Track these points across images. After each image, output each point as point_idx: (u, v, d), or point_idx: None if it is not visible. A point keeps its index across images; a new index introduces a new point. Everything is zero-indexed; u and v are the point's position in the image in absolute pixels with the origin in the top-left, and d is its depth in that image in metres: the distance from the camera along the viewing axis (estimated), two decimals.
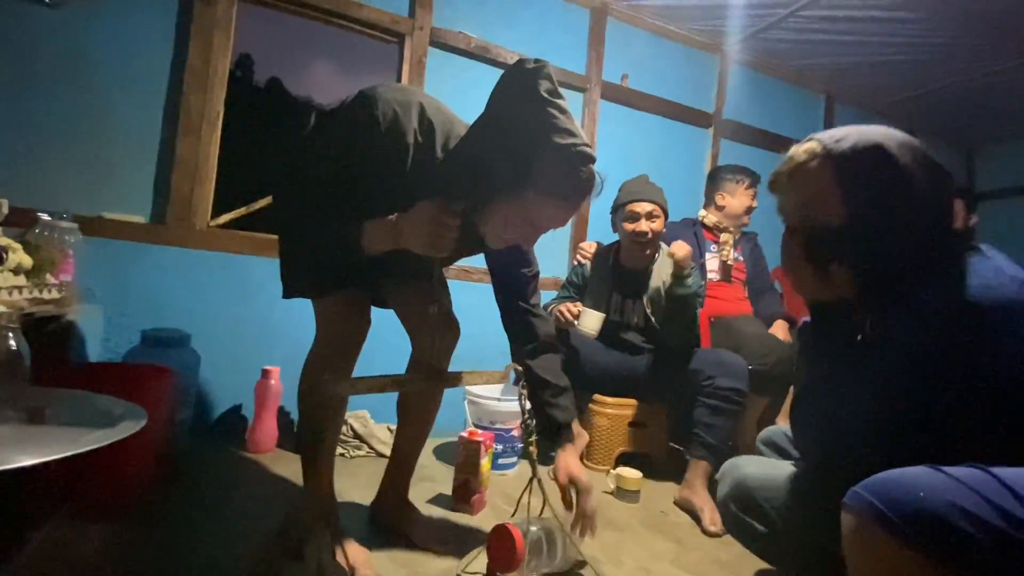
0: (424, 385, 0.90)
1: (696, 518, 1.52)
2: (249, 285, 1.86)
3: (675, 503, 1.64)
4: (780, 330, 2.02)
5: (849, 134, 0.80)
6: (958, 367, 0.67)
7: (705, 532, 1.45)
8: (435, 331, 1.22)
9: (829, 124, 3.04)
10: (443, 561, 1.17)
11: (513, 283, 1.21)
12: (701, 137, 2.74)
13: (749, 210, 2.21)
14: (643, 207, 1.80)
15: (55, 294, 1.36)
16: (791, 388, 1.94)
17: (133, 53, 1.76)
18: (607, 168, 2.67)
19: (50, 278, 1.38)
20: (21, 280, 1.27)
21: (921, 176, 0.76)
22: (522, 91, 0.88)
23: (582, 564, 1.11)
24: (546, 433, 1.18)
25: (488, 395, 1.86)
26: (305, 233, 1.05)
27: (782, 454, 1.14)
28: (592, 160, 0.91)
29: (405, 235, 0.94)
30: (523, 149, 0.88)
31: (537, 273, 1.25)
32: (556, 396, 1.19)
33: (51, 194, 1.65)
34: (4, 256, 1.07)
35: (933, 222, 0.76)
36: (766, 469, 1.01)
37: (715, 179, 2.28)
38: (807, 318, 0.94)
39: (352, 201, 0.98)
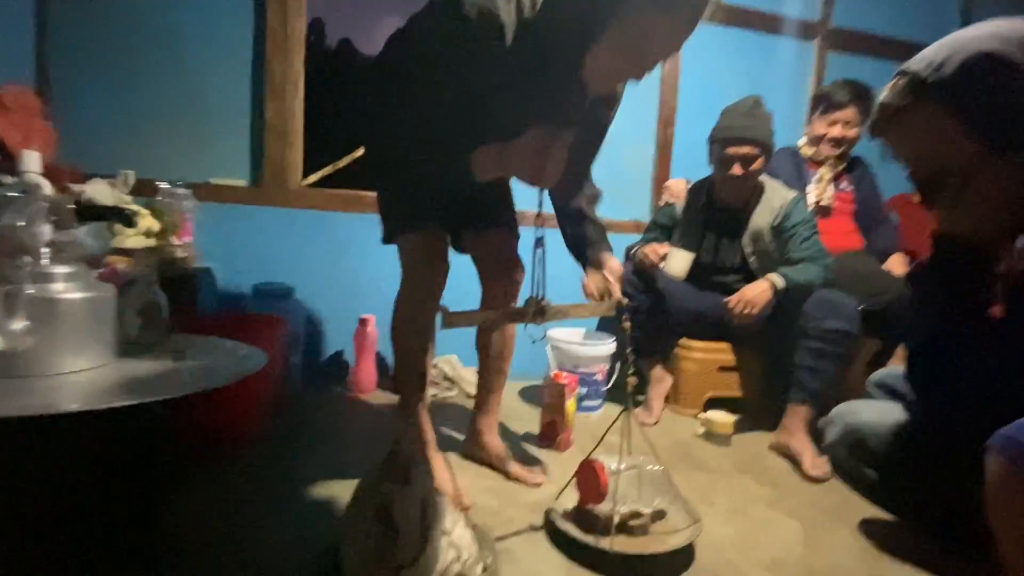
0: (533, 319, 0.91)
1: (794, 463, 1.46)
2: (341, 240, 1.97)
3: (771, 448, 1.57)
4: (897, 265, 1.81)
5: (950, 55, 0.65)
6: None
7: (805, 477, 1.39)
8: (504, 275, 1.26)
9: (967, 19, 2.55)
10: (532, 493, 1.23)
11: (569, 191, 1.19)
12: (804, 52, 2.41)
13: (828, 140, 1.94)
14: (738, 150, 1.63)
15: (180, 253, 1.53)
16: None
17: (218, 23, 1.84)
18: (696, 96, 2.44)
19: (175, 239, 1.54)
20: (152, 242, 1.44)
21: None
22: None
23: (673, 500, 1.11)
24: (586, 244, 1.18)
25: (570, 340, 1.87)
26: (413, 163, 1.05)
27: (896, 397, 1.04)
28: None
29: (512, 164, 0.94)
30: None
31: (599, 193, 1.23)
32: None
33: (166, 164, 1.82)
34: (135, 221, 1.20)
35: None
36: (880, 414, 0.94)
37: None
38: (921, 261, 0.82)
39: (462, 117, 0.97)
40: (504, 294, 1.27)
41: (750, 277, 1.72)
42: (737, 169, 1.64)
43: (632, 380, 1.00)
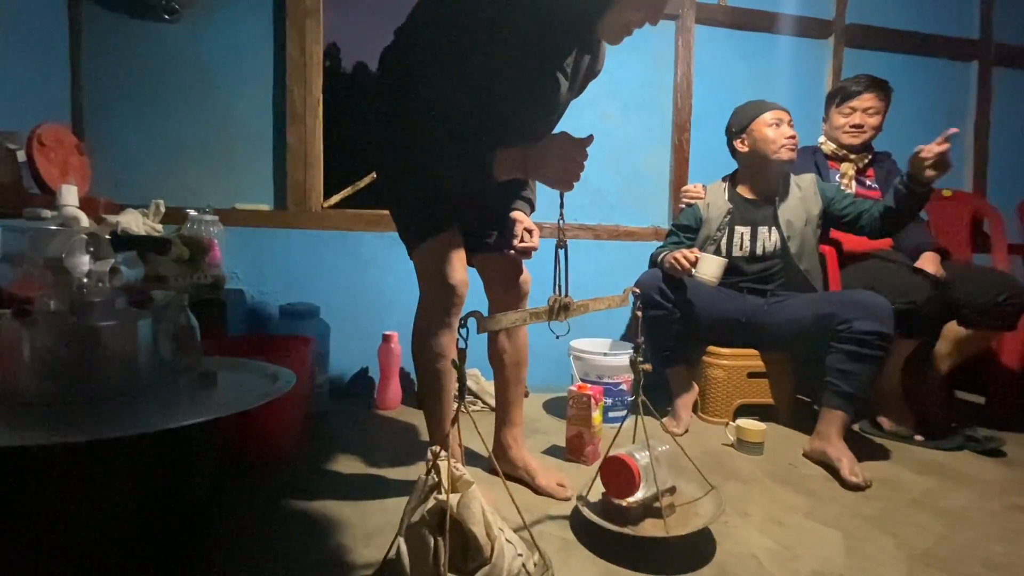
0: (557, 316, 0.98)
1: (831, 471, 1.41)
2: (362, 258, 2.00)
3: (805, 455, 1.53)
4: (930, 263, 1.75)
5: None
6: None
7: (844, 485, 1.34)
8: (513, 287, 1.28)
9: (987, 14, 2.49)
10: (562, 506, 1.21)
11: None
12: (818, 50, 2.38)
13: (849, 127, 1.91)
14: (784, 115, 1.73)
15: (209, 278, 1.57)
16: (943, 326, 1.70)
17: (240, 53, 1.92)
18: (710, 100, 2.44)
19: (204, 265, 1.59)
20: (183, 268, 1.48)
21: None
22: None
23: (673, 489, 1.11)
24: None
25: (594, 351, 1.86)
26: (429, 165, 1.08)
27: None
28: None
29: (535, 167, 1.00)
30: None
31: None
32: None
33: (193, 192, 1.88)
34: (168, 248, 1.25)
35: None
36: None
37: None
38: None
39: (478, 111, 1.02)
40: (514, 302, 1.29)
41: (788, 262, 1.75)
42: (788, 129, 1.71)
43: (645, 367, 1.05)
